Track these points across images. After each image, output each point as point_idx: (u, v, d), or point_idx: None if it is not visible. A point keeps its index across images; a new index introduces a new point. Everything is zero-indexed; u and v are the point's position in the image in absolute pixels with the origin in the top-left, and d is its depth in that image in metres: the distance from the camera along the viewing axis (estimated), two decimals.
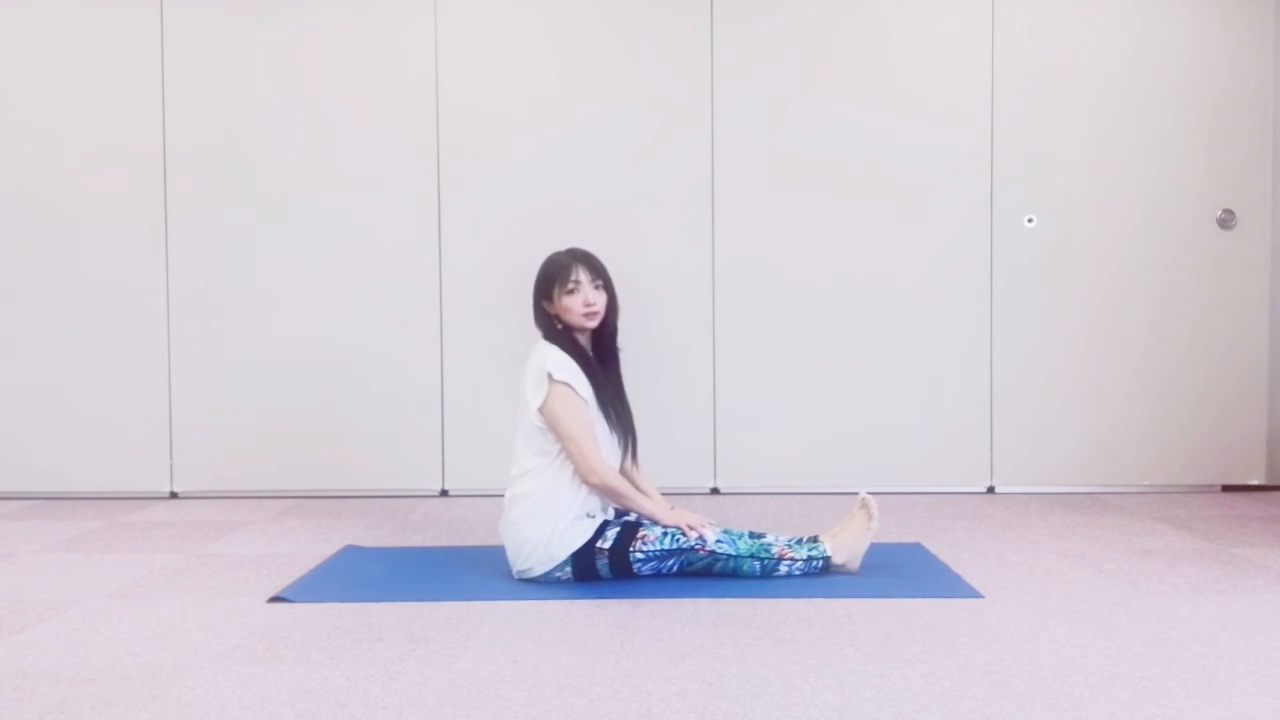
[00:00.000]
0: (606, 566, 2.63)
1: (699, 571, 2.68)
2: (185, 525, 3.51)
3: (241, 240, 4.04)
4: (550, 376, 2.60)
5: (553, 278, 2.70)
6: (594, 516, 2.67)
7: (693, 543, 2.63)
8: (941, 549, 3.07)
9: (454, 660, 2.07)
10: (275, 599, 2.53)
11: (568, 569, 2.63)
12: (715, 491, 4.08)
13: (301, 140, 4.03)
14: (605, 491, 2.65)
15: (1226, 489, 4.08)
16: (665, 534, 2.64)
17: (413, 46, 4.03)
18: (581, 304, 2.67)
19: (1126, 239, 4.05)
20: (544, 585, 2.63)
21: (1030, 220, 4.04)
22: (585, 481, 2.63)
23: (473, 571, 2.79)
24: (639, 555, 2.62)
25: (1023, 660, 2.05)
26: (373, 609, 2.45)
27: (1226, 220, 4.04)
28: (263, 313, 4.05)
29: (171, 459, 4.07)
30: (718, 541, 2.66)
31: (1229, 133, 4.04)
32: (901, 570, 2.79)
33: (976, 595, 2.53)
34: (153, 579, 2.76)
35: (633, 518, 2.72)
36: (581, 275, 2.68)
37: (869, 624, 2.30)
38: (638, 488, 2.76)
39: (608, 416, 2.70)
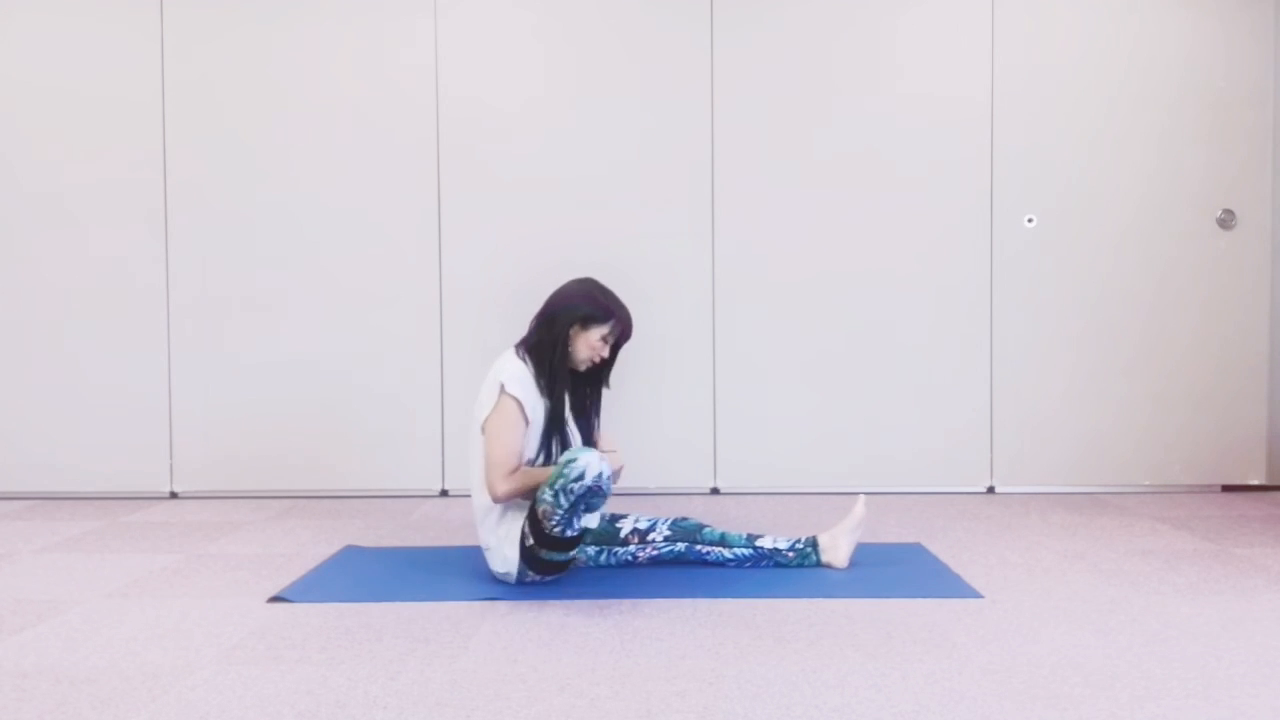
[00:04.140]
0: (543, 549, 2.53)
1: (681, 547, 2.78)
2: (185, 525, 3.51)
3: (242, 240, 4.04)
4: (503, 387, 2.58)
5: (603, 319, 2.66)
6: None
7: (587, 483, 2.41)
8: (941, 549, 3.07)
9: (454, 660, 2.07)
10: (275, 599, 2.54)
11: (529, 572, 2.59)
12: (715, 491, 4.08)
13: (301, 139, 4.03)
14: (510, 500, 2.57)
15: (1226, 489, 4.08)
16: (553, 492, 2.43)
17: (413, 46, 4.03)
18: (598, 355, 2.70)
19: (1126, 238, 4.05)
20: (543, 585, 2.63)
21: (1030, 220, 4.04)
22: (491, 495, 2.56)
23: (473, 571, 2.79)
24: (554, 530, 2.49)
25: (1023, 660, 2.05)
26: (373, 609, 2.45)
27: (1226, 220, 4.04)
28: (263, 312, 4.05)
29: (171, 459, 4.07)
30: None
31: (1229, 133, 4.04)
32: (901, 570, 2.79)
33: (976, 595, 2.54)
34: (152, 579, 2.76)
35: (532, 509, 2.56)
36: (622, 338, 2.72)
37: (869, 624, 2.30)
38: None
39: (548, 442, 2.64)
